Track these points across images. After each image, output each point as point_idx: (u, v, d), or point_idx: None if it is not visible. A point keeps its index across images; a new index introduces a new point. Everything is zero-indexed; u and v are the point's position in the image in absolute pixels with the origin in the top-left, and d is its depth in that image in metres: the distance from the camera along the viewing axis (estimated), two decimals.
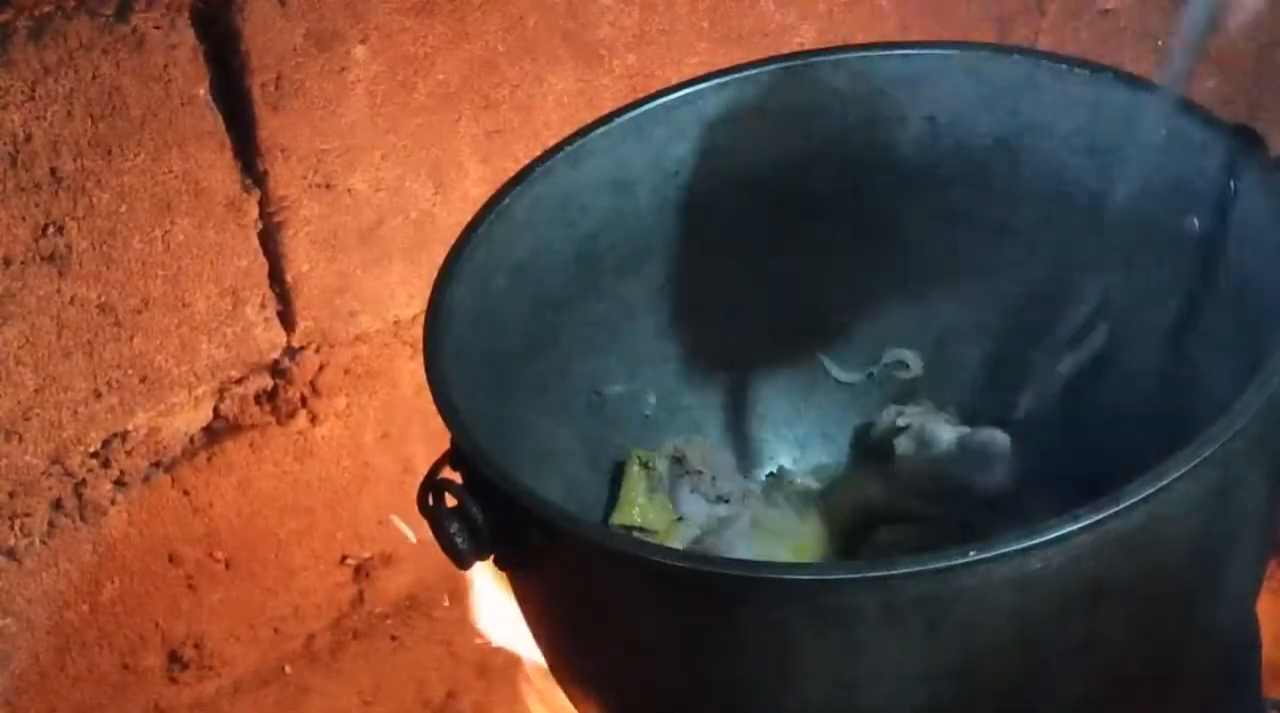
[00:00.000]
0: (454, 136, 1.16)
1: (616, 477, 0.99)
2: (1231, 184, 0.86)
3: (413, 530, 1.24)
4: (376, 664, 1.26)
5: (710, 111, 0.97)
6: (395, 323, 1.20)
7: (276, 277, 1.14)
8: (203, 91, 1.05)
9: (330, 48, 1.09)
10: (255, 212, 1.11)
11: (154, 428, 1.13)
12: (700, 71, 0.98)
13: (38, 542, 1.10)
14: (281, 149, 1.10)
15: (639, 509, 0.97)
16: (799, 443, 1.05)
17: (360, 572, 1.27)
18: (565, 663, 0.87)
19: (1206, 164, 0.87)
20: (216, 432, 1.16)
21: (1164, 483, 0.72)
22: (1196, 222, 0.89)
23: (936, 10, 1.32)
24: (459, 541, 0.79)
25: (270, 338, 1.15)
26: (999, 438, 0.98)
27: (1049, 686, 0.76)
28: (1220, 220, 0.87)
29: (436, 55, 1.13)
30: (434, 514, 0.80)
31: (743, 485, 1.02)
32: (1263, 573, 0.84)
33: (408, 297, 1.19)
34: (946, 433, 0.99)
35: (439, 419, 0.81)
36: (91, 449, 1.10)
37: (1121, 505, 0.72)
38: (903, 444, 1.00)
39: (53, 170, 1.01)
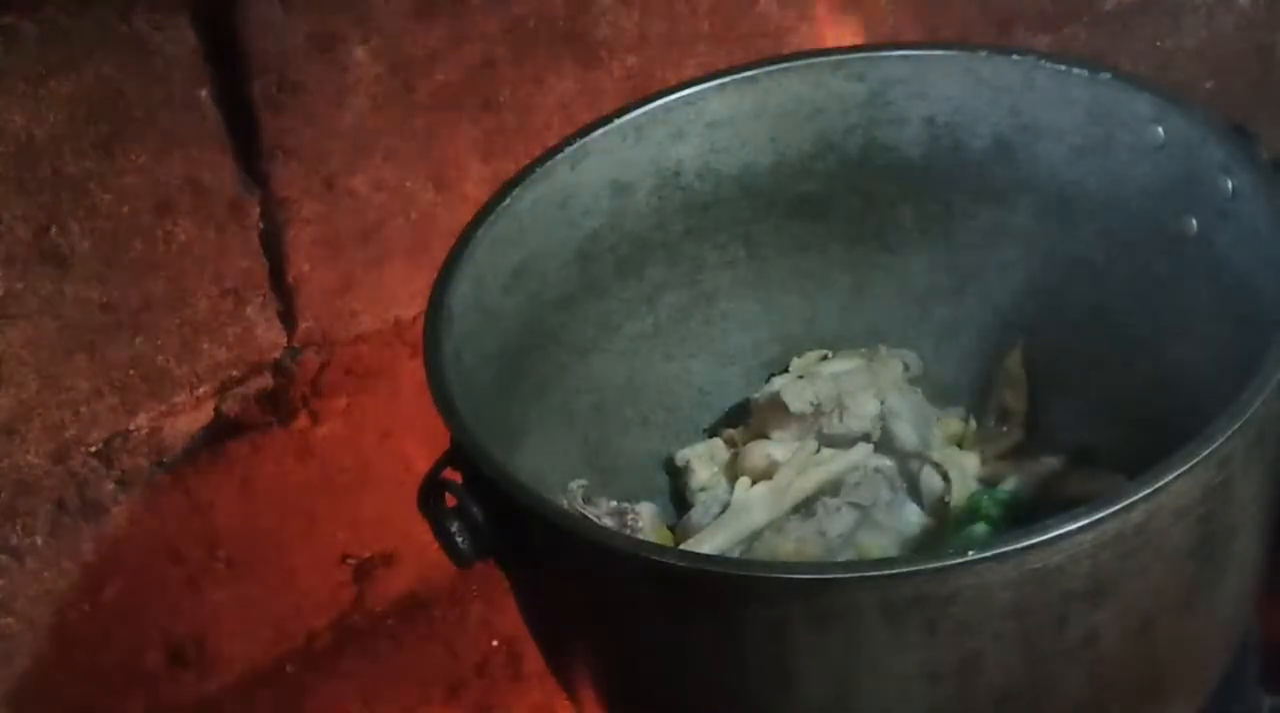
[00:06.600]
0: (454, 137, 1.16)
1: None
2: (1229, 184, 0.86)
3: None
4: (377, 664, 1.26)
5: (710, 112, 0.98)
6: (396, 323, 1.20)
7: (278, 277, 1.14)
8: (204, 93, 1.05)
9: (331, 49, 1.09)
10: (257, 212, 1.11)
11: (156, 428, 1.13)
12: (700, 73, 0.99)
13: (40, 541, 1.10)
14: (283, 150, 1.10)
15: None
16: None
17: (361, 571, 1.27)
18: (565, 662, 0.87)
19: (1204, 164, 0.87)
20: (218, 431, 1.16)
21: (1163, 482, 0.72)
22: (1194, 222, 0.89)
23: (935, 11, 1.32)
24: (459, 540, 0.79)
25: (271, 338, 1.15)
26: None
27: (1048, 685, 0.76)
28: (1218, 220, 0.87)
29: (437, 57, 1.13)
30: (434, 514, 0.80)
31: None
32: (1263, 573, 0.84)
33: (408, 297, 1.19)
34: None
35: (439, 419, 0.81)
36: (93, 449, 1.10)
37: (1120, 505, 0.72)
38: None
39: (55, 171, 1.01)
